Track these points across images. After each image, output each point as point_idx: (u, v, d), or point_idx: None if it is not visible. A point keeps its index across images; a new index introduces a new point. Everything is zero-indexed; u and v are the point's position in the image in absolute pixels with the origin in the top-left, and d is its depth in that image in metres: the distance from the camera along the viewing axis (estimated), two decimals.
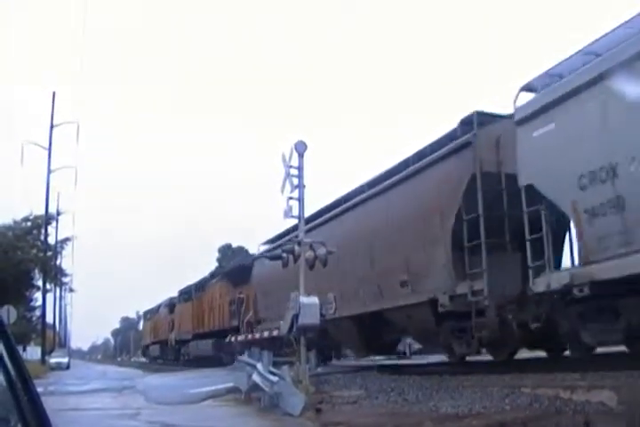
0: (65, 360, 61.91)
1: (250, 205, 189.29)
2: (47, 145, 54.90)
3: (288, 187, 18.93)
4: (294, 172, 18.92)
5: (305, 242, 19.06)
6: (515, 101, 16.34)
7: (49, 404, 2.68)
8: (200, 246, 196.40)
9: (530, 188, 15.43)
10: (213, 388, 22.20)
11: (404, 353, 34.37)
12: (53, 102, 56.47)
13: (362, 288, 22.62)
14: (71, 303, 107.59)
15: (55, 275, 59.03)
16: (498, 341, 17.70)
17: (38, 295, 54.59)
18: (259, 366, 18.21)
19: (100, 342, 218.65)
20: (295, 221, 20.31)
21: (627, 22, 13.87)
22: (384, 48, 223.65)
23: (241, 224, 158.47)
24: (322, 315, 18.55)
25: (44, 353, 56.79)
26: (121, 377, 40.55)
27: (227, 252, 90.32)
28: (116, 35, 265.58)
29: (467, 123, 18.49)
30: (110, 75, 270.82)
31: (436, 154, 19.77)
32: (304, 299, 17.98)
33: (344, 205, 24.78)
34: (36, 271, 50.85)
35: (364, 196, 23.71)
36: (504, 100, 17.34)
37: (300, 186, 18.87)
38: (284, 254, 19.45)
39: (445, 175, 19.04)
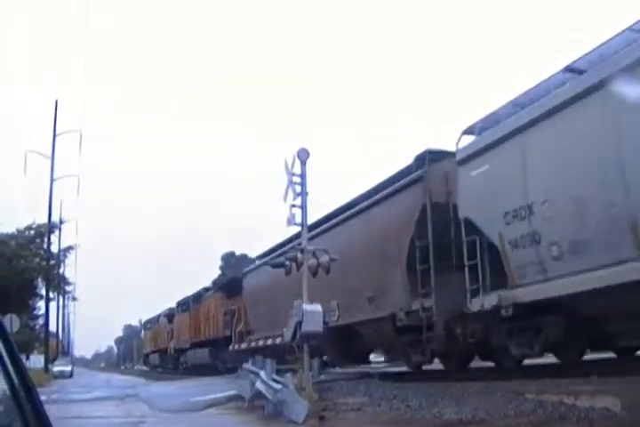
0: (68, 368, 61.86)
1: (253, 208, 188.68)
2: (49, 152, 54.94)
3: (291, 194, 18.94)
4: (297, 179, 18.93)
5: (308, 249, 19.07)
6: (457, 143, 18.58)
7: (52, 412, 2.69)
8: (203, 252, 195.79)
9: (468, 220, 17.51)
10: (216, 396, 22.19)
11: None
12: (56, 111, 56.54)
13: (339, 302, 24.30)
14: (74, 312, 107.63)
15: (58, 283, 59.07)
16: (447, 352, 19.88)
17: (41, 304, 54.70)
18: (262, 373, 18.21)
19: (103, 350, 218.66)
20: (299, 228, 20.21)
21: (547, 79, 16.36)
22: (384, 48, 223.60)
23: (244, 229, 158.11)
24: (325, 322, 18.58)
25: (47, 361, 56.84)
26: (124, 385, 40.60)
27: (230, 260, 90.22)
28: (115, 35, 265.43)
29: (420, 159, 20.64)
30: (110, 75, 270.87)
31: (393, 187, 22.05)
32: (307, 306, 17.99)
33: (321, 227, 26.40)
34: (39, 280, 50.88)
35: (340, 218, 25.79)
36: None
37: (303, 193, 18.88)
38: (287, 262, 19.49)
39: (401, 206, 21.29)
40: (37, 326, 59.73)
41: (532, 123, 15.48)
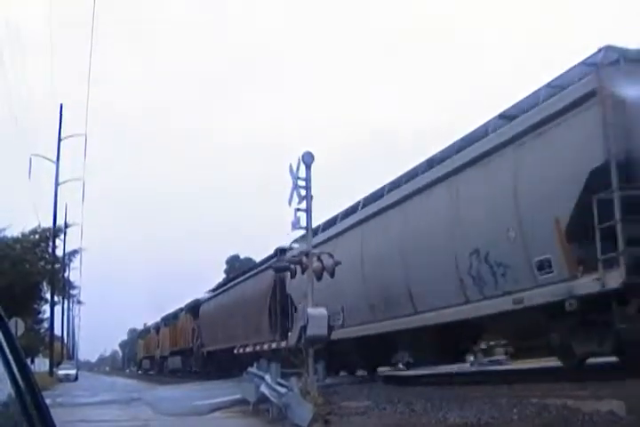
0: (73, 372, 61.85)
1: (257, 212, 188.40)
2: (54, 156, 54.92)
3: (296, 198, 18.92)
4: (302, 183, 18.91)
5: (312, 253, 19.07)
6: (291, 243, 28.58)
7: (58, 416, 2.69)
8: (208, 256, 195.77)
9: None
10: (221, 400, 22.18)
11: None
12: (61, 115, 56.56)
13: None
14: (79, 315, 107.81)
15: (63, 287, 59.11)
16: None
17: (46, 308, 54.71)
18: (267, 377, 18.20)
19: (107, 353, 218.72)
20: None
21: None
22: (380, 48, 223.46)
23: (247, 233, 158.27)
24: (330, 326, 18.57)
25: (52, 365, 56.83)
26: (129, 389, 40.65)
27: (234, 263, 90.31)
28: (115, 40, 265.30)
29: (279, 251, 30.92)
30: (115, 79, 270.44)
31: (261, 268, 37.86)
32: (312, 310, 17.99)
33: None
34: (44, 284, 50.92)
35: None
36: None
37: (308, 197, 18.85)
38: (292, 266, 19.52)
39: (265, 281, 35.31)
40: (42, 330, 59.78)
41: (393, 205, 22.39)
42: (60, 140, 55.35)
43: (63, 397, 29.86)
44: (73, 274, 70.18)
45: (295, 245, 28.52)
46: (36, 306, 53.21)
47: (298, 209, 18.93)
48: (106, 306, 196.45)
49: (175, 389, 35.03)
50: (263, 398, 17.98)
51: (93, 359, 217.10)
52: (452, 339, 20.35)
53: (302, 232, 19.93)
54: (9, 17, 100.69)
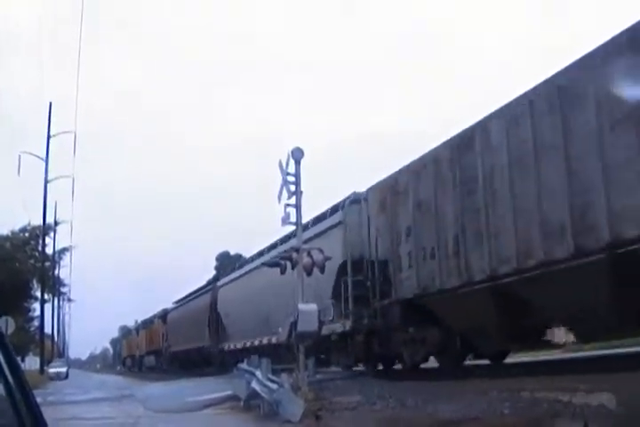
0: (63, 370, 61.67)
1: (248, 208, 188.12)
2: (44, 154, 54.75)
3: (285, 194, 18.94)
4: (291, 178, 18.93)
5: (303, 249, 19.12)
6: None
7: (48, 413, 2.69)
8: (198, 252, 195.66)
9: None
10: (212, 396, 22.17)
11: None
12: (50, 112, 56.41)
13: None
14: (69, 313, 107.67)
15: (53, 285, 59.06)
16: None
17: (37, 306, 54.68)
18: (258, 373, 18.23)
19: (98, 351, 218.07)
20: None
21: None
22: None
23: (239, 230, 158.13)
24: (320, 322, 18.61)
25: (42, 363, 56.76)
26: (120, 386, 40.54)
27: (225, 260, 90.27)
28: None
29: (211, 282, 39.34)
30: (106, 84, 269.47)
31: (203, 291, 50.80)
32: (302, 306, 18.02)
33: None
34: (34, 282, 50.91)
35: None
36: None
37: (298, 192, 18.87)
38: (283, 262, 19.57)
39: (206, 301, 47.30)
40: (33, 328, 59.74)
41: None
42: (49, 137, 55.20)
43: (54, 395, 29.82)
44: (63, 272, 70.26)
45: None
46: (26, 304, 53.24)
47: (288, 205, 18.96)
48: (97, 303, 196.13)
49: (166, 385, 34.95)
50: (254, 395, 18.00)
51: (84, 357, 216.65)
52: None
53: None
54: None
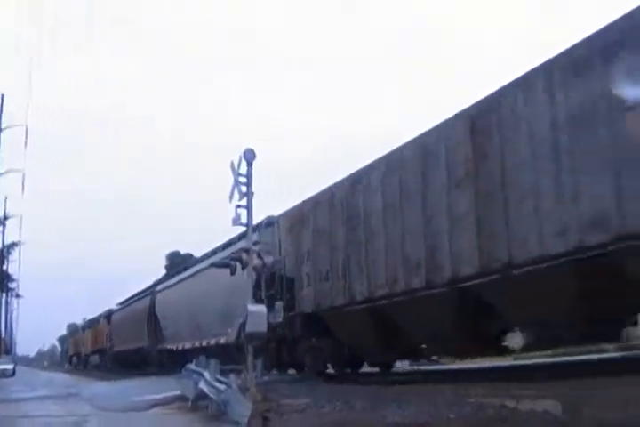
0: (10, 367, 60.90)
1: (199, 208, 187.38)
2: None
3: (237, 195, 18.95)
4: (243, 179, 18.94)
5: (253, 250, 19.15)
6: None
7: None
8: (149, 251, 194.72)
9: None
10: (160, 396, 22.05)
11: None
12: (1, 105, 55.64)
13: None
14: (17, 309, 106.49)
15: (1, 280, 58.46)
16: None
17: None
18: (206, 373, 18.21)
19: (46, 348, 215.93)
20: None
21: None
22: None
23: (188, 230, 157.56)
24: (269, 323, 18.65)
25: None
26: (68, 384, 40.22)
27: (175, 259, 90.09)
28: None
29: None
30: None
31: (142, 295, 53.64)
32: (252, 307, 18.06)
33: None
34: None
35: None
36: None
37: (249, 194, 18.88)
38: (232, 262, 19.59)
39: (145, 304, 49.89)
40: None
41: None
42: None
43: (0, 392, 29.57)
44: (12, 267, 69.59)
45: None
46: None
47: (239, 206, 18.96)
48: (46, 300, 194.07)
49: (112, 384, 34.79)
50: (202, 395, 17.98)
51: (32, 354, 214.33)
52: None
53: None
54: None
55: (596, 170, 12.67)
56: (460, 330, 16.89)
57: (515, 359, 23.48)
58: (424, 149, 17.53)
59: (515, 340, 17.06)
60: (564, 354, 21.94)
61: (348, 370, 23.79)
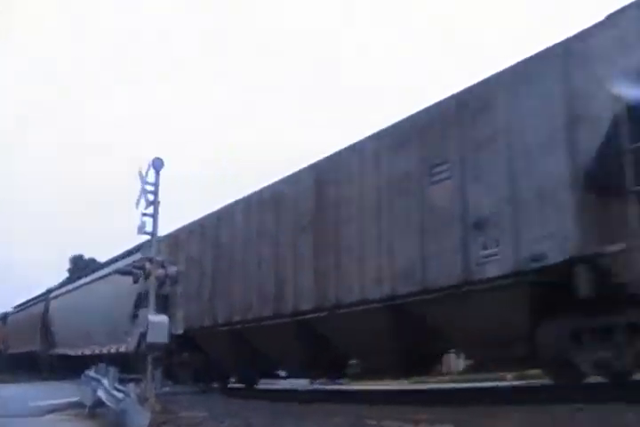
0: None
1: (100, 212, 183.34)
2: None
3: (143, 203, 18.90)
4: (150, 188, 18.92)
5: (157, 260, 19.15)
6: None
7: None
8: (54, 253, 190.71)
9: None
10: (57, 402, 21.77)
11: None
12: None
13: None
14: None
15: None
16: None
17: None
18: (104, 381, 18.11)
19: None
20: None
21: None
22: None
23: (91, 233, 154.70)
24: (171, 334, 18.66)
25: None
26: None
27: (79, 262, 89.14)
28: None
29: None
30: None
31: (36, 301, 54.73)
32: (152, 317, 18.02)
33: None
34: None
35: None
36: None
37: (155, 202, 18.85)
38: (136, 271, 19.55)
39: (39, 309, 50.84)
40: None
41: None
42: None
43: None
44: None
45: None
46: None
47: (145, 214, 18.92)
48: None
49: (6, 388, 34.00)
50: (100, 403, 17.86)
51: None
52: None
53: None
54: None
55: (407, 230, 14.46)
56: (304, 356, 18.77)
57: (414, 382, 23.87)
58: (279, 195, 19.46)
59: (351, 369, 19.80)
60: (466, 380, 22.89)
61: (215, 385, 24.70)
